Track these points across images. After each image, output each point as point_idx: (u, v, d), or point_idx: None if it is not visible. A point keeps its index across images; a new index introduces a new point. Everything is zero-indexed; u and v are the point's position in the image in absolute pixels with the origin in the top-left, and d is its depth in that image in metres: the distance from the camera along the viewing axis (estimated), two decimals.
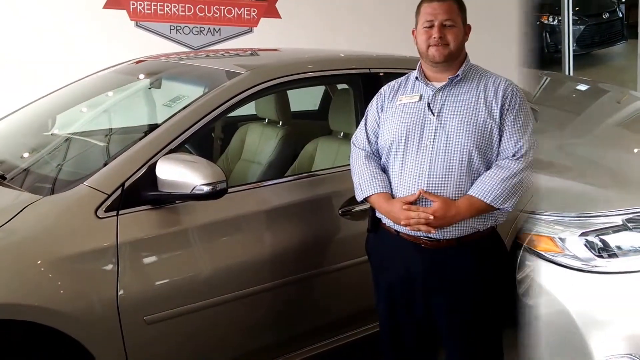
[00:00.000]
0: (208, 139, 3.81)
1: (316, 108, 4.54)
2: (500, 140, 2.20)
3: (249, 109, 3.62)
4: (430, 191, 2.16)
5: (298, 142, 3.41)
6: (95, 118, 3.14)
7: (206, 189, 2.18)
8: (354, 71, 3.12)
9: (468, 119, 2.19)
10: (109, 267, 2.15)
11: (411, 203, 2.16)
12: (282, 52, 3.56)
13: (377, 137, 2.36)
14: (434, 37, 2.21)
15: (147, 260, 2.26)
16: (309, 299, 2.75)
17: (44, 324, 2.00)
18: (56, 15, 5.20)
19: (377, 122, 2.37)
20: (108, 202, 2.18)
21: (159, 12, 5.47)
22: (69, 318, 2.05)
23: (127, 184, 2.22)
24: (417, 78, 2.32)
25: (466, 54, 2.32)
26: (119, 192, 2.21)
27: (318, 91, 4.51)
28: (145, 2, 5.44)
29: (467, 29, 2.31)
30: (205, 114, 2.48)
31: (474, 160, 2.17)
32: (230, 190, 2.38)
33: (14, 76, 4.99)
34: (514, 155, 2.17)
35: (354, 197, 2.50)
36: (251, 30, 5.77)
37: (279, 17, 5.79)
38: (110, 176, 2.24)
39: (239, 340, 2.57)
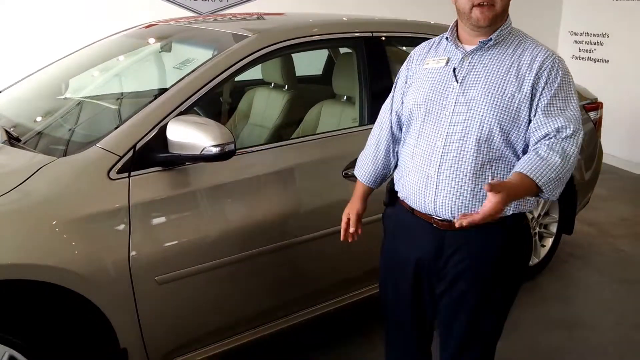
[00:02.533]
0: (216, 103, 3.79)
1: (320, 73, 4.57)
2: (529, 120, 1.87)
3: (256, 73, 3.65)
4: (442, 168, 1.90)
5: (303, 106, 3.39)
6: (107, 82, 3.10)
7: (215, 150, 2.16)
8: (356, 34, 3.08)
9: (493, 91, 1.87)
10: (121, 228, 2.13)
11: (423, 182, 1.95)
12: (287, 16, 3.55)
13: (403, 106, 2.12)
14: None
15: (158, 221, 2.24)
16: (315, 259, 2.75)
17: (58, 284, 1.99)
18: None
19: (402, 91, 2.13)
20: (120, 164, 2.16)
21: None
22: (82, 278, 2.03)
23: (138, 146, 2.20)
24: (447, 38, 2.02)
25: (507, 16, 1.97)
26: (130, 153, 2.18)
27: (322, 56, 4.53)
28: None
29: None
30: (214, 76, 2.45)
31: (495, 138, 1.87)
32: (238, 152, 2.36)
33: (29, 41, 5.00)
34: (557, 134, 1.84)
35: (357, 159, 2.50)
36: None
37: None
38: (122, 138, 2.22)
39: (248, 299, 2.57)
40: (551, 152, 1.83)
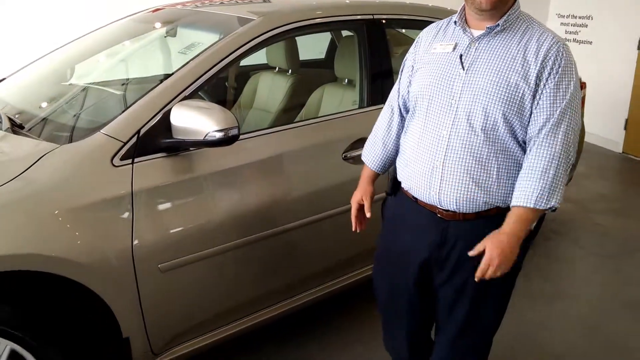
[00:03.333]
0: (221, 88, 3.77)
1: (323, 57, 4.54)
2: (531, 111, 1.81)
3: (261, 57, 3.61)
4: (447, 159, 1.85)
5: (306, 90, 3.37)
6: (112, 67, 3.06)
7: (218, 135, 2.12)
8: (358, 17, 3.04)
9: (498, 79, 1.80)
10: (125, 215, 2.09)
11: (427, 177, 1.90)
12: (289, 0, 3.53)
13: (409, 91, 2.04)
14: None
15: (162, 208, 2.20)
16: (316, 242, 2.73)
17: (60, 274, 1.95)
18: None
19: (409, 74, 2.06)
20: (124, 150, 2.12)
21: None
22: (85, 268, 1.99)
23: (142, 132, 2.16)
24: (455, 22, 1.93)
25: (515, 0, 1.88)
26: (134, 139, 2.14)
27: (326, 40, 4.50)
28: None
29: None
30: (219, 61, 2.42)
31: (499, 129, 1.80)
32: (241, 137, 2.34)
33: (31, 29, 4.96)
34: (541, 131, 1.78)
35: (356, 141, 2.49)
36: None
37: None
38: (125, 124, 2.17)
39: (250, 284, 2.55)
40: (536, 159, 1.79)
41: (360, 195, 2.19)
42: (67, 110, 2.63)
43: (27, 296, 2.00)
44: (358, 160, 2.64)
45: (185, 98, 2.29)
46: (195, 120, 2.15)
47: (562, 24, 7.73)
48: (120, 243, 2.09)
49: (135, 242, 2.12)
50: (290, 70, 3.49)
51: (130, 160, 2.15)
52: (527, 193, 1.78)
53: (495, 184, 1.85)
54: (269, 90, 3.48)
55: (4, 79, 3.11)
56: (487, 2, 1.80)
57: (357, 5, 3.20)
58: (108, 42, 3.19)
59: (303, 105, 3.33)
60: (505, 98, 1.79)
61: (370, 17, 3.06)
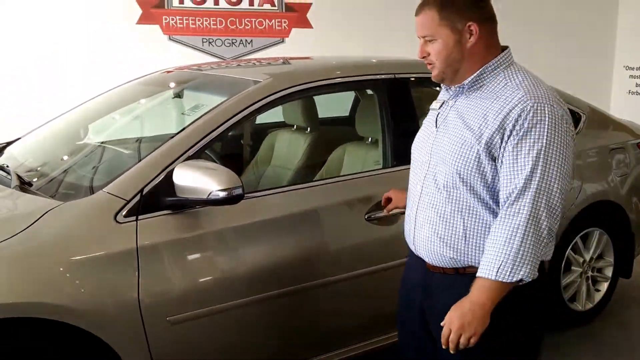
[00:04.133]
0: (238, 146, 3.79)
1: (347, 114, 4.51)
2: (496, 172, 1.74)
3: (278, 116, 3.62)
4: (419, 212, 1.88)
5: (326, 148, 3.33)
6: (121, 128, 3.14)
7: (222, 194, 2.14)
8: (378, 77, 3.02)
9: (456, 139, 1.78)
10: (130, 269, 2.13)
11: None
12: (312, 60, 3.53)
13: None
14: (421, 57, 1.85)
15: (167, 263, 2.23)
16: (331, 303, 2.66)
17: (69, 322, 2.00)
18: (91, 32, 5.31)
19: None
20: (127, 208, 2.18)
21: (190, 25, 5.51)
22: (94, 318, 2.05)
23: (145, 190, 2.21)
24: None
25: (498, 54, 1.81)
26: (137, 197, 2.20)
27: (350, 98, 4.48)
28: (178, 17, 5.49)
29: (465, 30, 1.77)
30: (223, 122, 2.45)
31: (459, 188, 1.78)
32: (254, 195, 2.41)
33: (56, 92, 5.11)
34: (507, 200, 1.69)
35: (380, 202, 2.44)
36: (283, 41, 5.77)
37: (311, 27, 5.79)
38: (129, 183, 2.24)
39: (262, 342, 2.52)
40: (500, 228, 1.70)
41: (396, 202, 2.30)
42: (75, 169, 2.71)
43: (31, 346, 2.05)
44: (382, 221, 2.66)
45: (189, 157, 2.33)
46: (197, 179, 2.19)
47: (630, 76, 7.31)
48: (127, 295, 2.14)
49: (142, 294, 2.16)
50: (309, 129, 3.45)
51: (134, 217, 2.19)
52: (489, 264, 1.70)
53: (463, 242, 1.81)
54: (287, 148, 3.48)
55: (19, 138, 3.22)
56: (433, 76, 1.87)
57: (378, 65, 3.20)
58: (118, 103, 3.27)
59: (323, 163, 3.29)
60: (458, 157, 1.77)
61: (392, 76, 3.03)
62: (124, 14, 5.39)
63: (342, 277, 2.63)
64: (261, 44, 5.72)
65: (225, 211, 2.31)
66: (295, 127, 3.57)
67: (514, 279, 1.68)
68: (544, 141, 1.68)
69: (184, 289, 2.25)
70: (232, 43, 5.64)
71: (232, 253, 2.38)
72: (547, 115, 1.69)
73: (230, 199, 2.17)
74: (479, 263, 1.76)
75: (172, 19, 5.47)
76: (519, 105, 1.70)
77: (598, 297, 3.75)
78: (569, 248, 3.46)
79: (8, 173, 2.57)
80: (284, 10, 5.70)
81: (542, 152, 1.67)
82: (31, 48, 5.20)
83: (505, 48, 1.85)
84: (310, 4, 5.73)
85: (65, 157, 2.85)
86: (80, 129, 3.10)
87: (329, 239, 2.63)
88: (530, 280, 1.70)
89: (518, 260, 1.67)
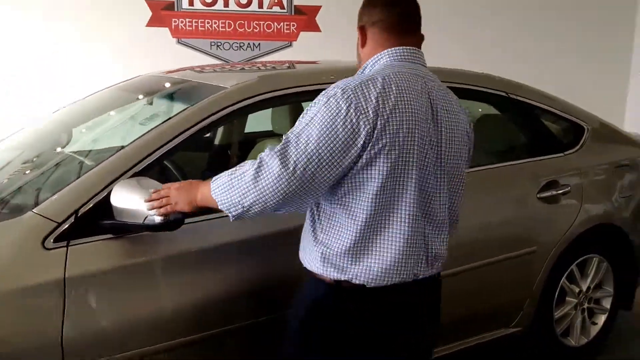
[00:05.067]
0: (224, 155, 3.60)
1: None
2: None
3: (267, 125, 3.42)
4: None
5: None
6: (81, 139, 2.89)
7: (158, 219, 1.89)
8: None
9: None
10: (54, 303, 1.88)
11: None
12: (320, 64, 3.37)
13: None
14: None
15: (98, 296, 1.96)
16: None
17: None
18: (100, 35, 5.23)
19: None
20: (58, 232, 1.93)
21: (199, 29, 5.40)
22: (10, 357, 1.81)
23: (80, 212, 1.96)
24: None
25: (368, 62, 1.87)
26: (71, 220, 1.95)
27: None
28: (187, 20, 5.38)
29: (359, 33, 1.89)
30: (174, 136, 2.17)
31: None
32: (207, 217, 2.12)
33: (61, 94, 5.02)
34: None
35: None
36: (290, 45, 5.62)
37: (319, 30, 5.64)
38: (62, 203, 1.98)
39: None
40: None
41: None
42: (23, 186, 2.45)
43: None
44: None
45: (136, 174, 2.07)
46: (134, 201, 1.93)
47: None
48: (49, 334, 1.88)
49: (65, 333, 1.90)
50: None
51: (64, 243, 1.95)
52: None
53: None
54: None
55: None
56: None
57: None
58: (89, 110, 3.07)
59: None
60: None
61: None
62: (133, 16, 5.29)
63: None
64: (269, 48, 5.58)
65: (170, 236, 2.03)
66: (283, 136, 3.36)
67: (217, 201, 1.78)
68: (313, 116, 1.75)
69: (114, 328, 1.99)
70: (240, 47, 5.51)
71: (171, 285, 2.10)
72: (321, 103, 1.73)
73: (167, 225, 1.91)
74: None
75: (182, 22, 5.36)
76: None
77: (594, 331, 3.38)
78: (564, 277, 3.12)
79: None
80: (292, 12, 5.54)
81: (309, 124, 1.76)
82: (31, 48, 5.13)
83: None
84: (320, 6, 5.56)
85: (17, 171, 2.62)
86: (66, 135, 2.88)
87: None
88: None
89: (227, 187, 1.77)
